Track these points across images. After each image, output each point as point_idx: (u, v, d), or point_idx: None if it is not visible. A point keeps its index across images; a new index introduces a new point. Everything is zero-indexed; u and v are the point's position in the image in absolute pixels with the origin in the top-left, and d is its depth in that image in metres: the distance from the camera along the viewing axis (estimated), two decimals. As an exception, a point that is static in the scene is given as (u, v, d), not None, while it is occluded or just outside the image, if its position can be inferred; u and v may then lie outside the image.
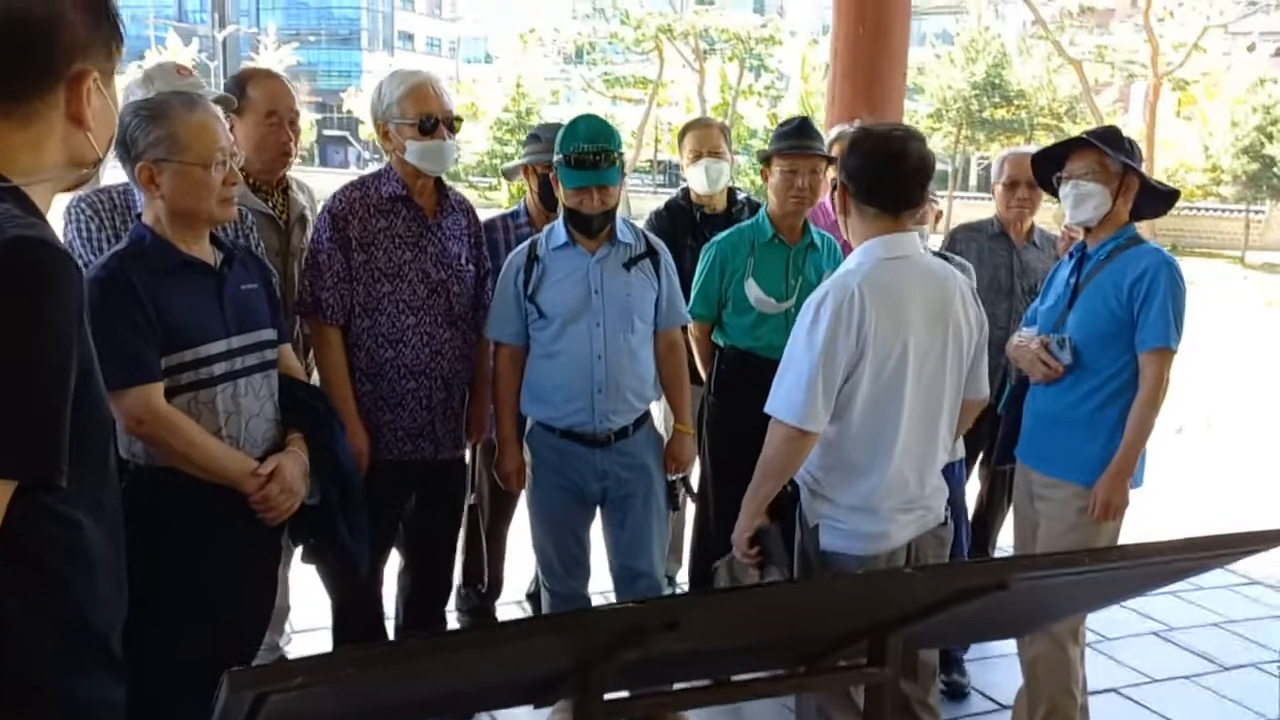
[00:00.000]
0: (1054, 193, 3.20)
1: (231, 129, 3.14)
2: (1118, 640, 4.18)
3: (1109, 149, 2.97)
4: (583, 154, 2.94)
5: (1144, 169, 3.05)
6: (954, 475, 3.58)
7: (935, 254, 3.50)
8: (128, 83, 3.11)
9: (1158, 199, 3.12)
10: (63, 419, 1.25)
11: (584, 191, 2.97)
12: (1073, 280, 3.07)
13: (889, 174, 2.48)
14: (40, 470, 1.23)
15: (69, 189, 1.53)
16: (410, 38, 71.17)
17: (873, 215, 2.51)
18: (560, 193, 3.06)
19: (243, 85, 3.17)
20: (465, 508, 3.46)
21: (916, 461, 2.54)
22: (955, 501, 3.65)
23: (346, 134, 55.38)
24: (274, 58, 47.08)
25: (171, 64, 3.10)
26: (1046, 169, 3.18)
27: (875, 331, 2.40)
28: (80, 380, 1.28)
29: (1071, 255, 3.15)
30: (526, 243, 3.16)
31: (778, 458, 2.49)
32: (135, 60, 40.86)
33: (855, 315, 2.39)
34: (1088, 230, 3.08)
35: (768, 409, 2.49)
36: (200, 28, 61.01)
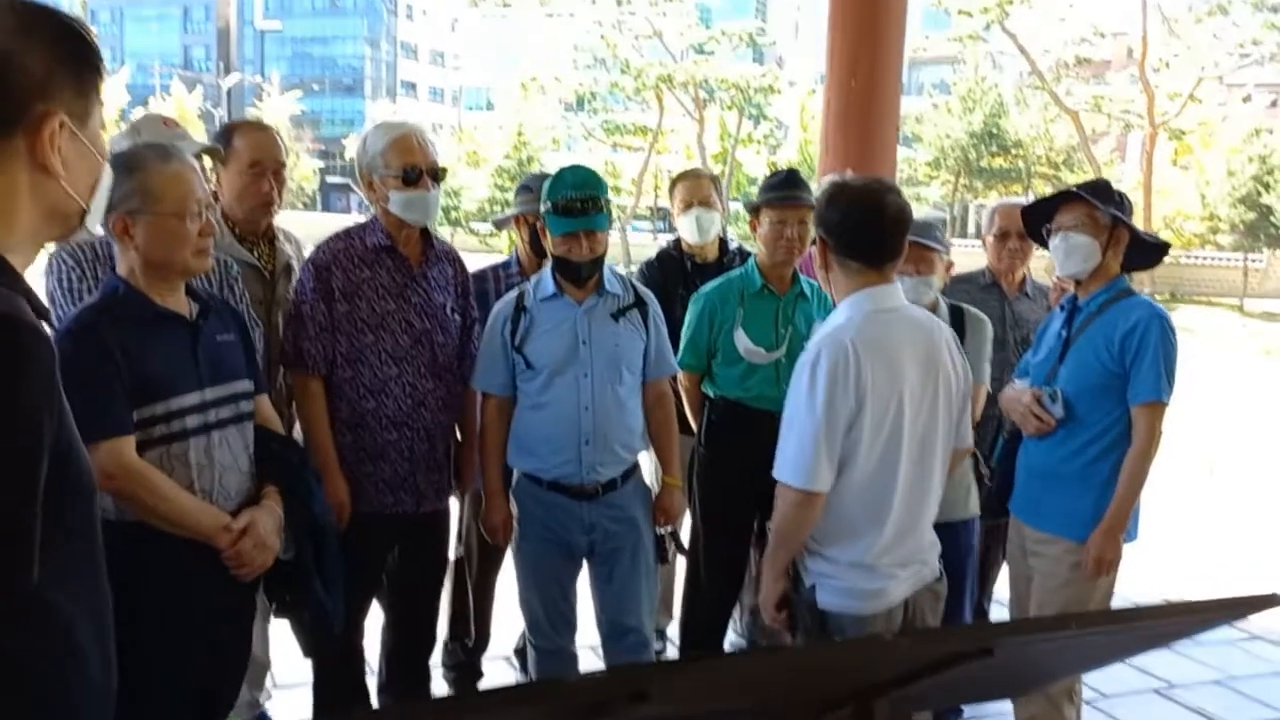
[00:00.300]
0: (1045, 245, 3.19)
1: (217, 179, 3.14)
2: (1117, 698, 4.10)
3: (1098, 202, 2.96)
4: (570, 201, 2.93)
5: (1136, 220, 3.04)
6: (968, 531, 3.54)
7: (952, 306, 3.49)
8: (114, 134, 3.11)
9: (1148, 251, 3.11)
10: (29, 512, 1.16)
11: (572, 238, 2.96)
12: (1064, 333, 3.05)
13: (870, 227, 2.46)
14: (3, 571, 1.14)
15: (58, 239, 1.44)
16: (413, 86, 72.07)
17: (856, 269, 2.48)
18: (548, 242, 3.05)
19: (229, 135, 3.18)
20: (450, 560, 3.40)
21: (913, 515, 2.50)
22: (963, 558, 3.61)
23: (349, 181, 55.82)
24: (278, 105, 47.61)
25: (158, 116, 3.11)
26: (1036, 221, 3.16)
27: (872, 386, 2.37)
28: (58, 461, 1.21)
29: (1063, 307, 3.13)
30: (513, 293, 3.14)
31: (790, 522, 2.45)
32: (140, 106, 41.36)
33: (851, 372, 2.35)
34: (1078, 282, 3.06)
35: (775, 475, 2.45)
36: (205, 75, 61.74)
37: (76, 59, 1.32)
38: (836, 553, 2.46)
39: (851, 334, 2.39)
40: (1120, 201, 3.01)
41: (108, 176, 1.42)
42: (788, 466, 2.41)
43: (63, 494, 1.22)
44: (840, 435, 2.37)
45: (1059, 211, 3.05)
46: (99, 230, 1.50)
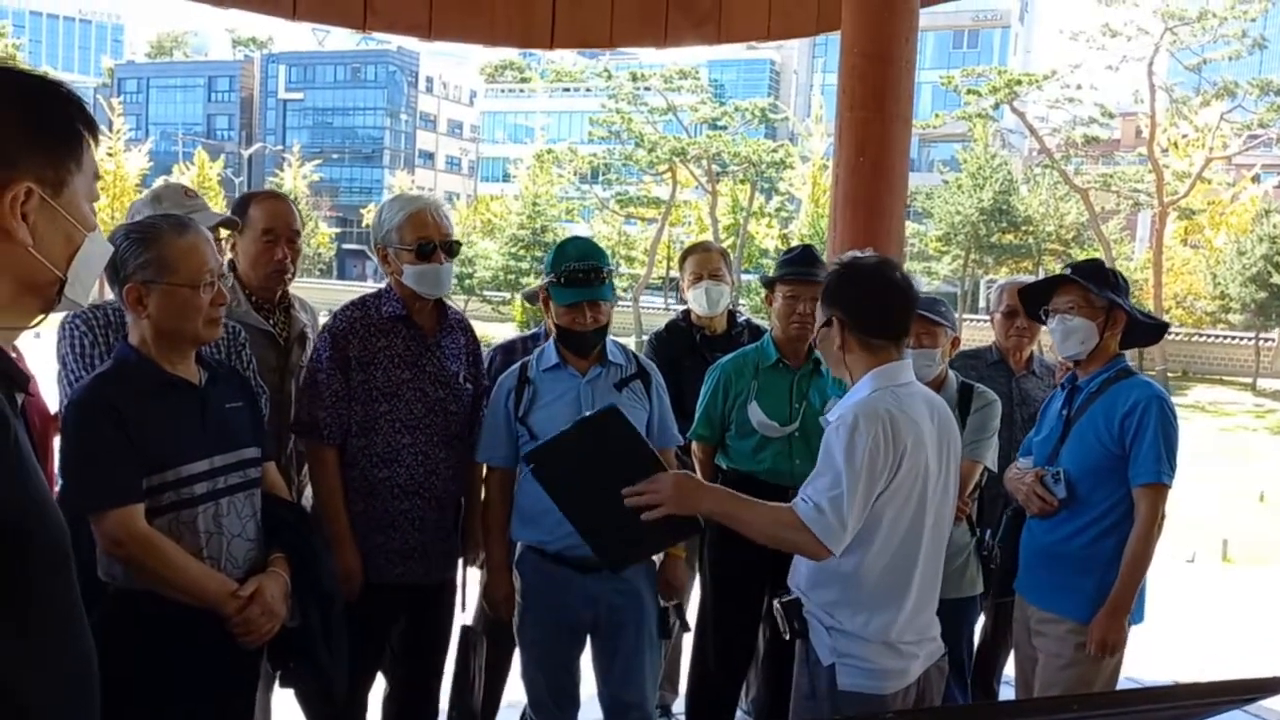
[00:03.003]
0: (1044, 324, 3.22)
1: (233, 247, 3.19)
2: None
3: (1093, 285, 2.99)
4: (573, 271, 2.97)
5: (1147, 298, 3.09)
6: (969, 609, 3.52)
7: (963, 384, 3.51)
8: (135, 202, 3.18)
9: (1148, 329, 3.13)
10: None
11: (576, 309, 3.00)
12: (1065, 412, 3.06)
13: (891, 305, 2.48)
14: None
15: (42, 312, 1.36)
16: (430, 156, 73.18)
17: (879, 346, 2.46)
18: (552, 313, 3.08)
19: (245, 205, 3.23)
20: (459, 629, 3.38)
21: (929, 590, 2.49)
22: (961, 636, 3.58)
23: (365, 248, 56.50)
24: (298, 174, 48.37)
25: (179, 185, 3.17)
26: (1035, 302, 3.19)
27: (907, 456, 2.35)
28: (14, 531, 1.15)
29: (1063, 386, 3.14)
30: (517, 365, 3.17)
31: (782, 542, 2.37)
32: (164, 174, 42.09)
33: (891, 435, 2.33)
34: (1077, 363, 3.08)
35: (792, 504, 2.35)
36: (227, 144, 62.89)
37: (49, 126, 1.28)
38: (860, 628, 2.40)
39: (885, 405, 2.37)
40: (1115, 281, 3.04)
41: (97, 246, 1.38)
42: (810, 506, 2.30)
43: (26, 564, 1.17)
44: (870, 502, 2.32)
45: (1055, 294, 3.08)
46: (85, 302, 1.44)
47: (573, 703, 3.16)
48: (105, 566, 2.24)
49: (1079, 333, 3.00)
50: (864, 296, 2.48)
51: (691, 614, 3.69)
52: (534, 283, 4.02)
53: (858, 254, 2.59)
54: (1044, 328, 3.78)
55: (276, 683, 2.74)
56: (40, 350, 2.65)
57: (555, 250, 3.07)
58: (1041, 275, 3.45)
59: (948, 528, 2.55)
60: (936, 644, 2.55)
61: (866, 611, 2.40)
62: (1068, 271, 3.10)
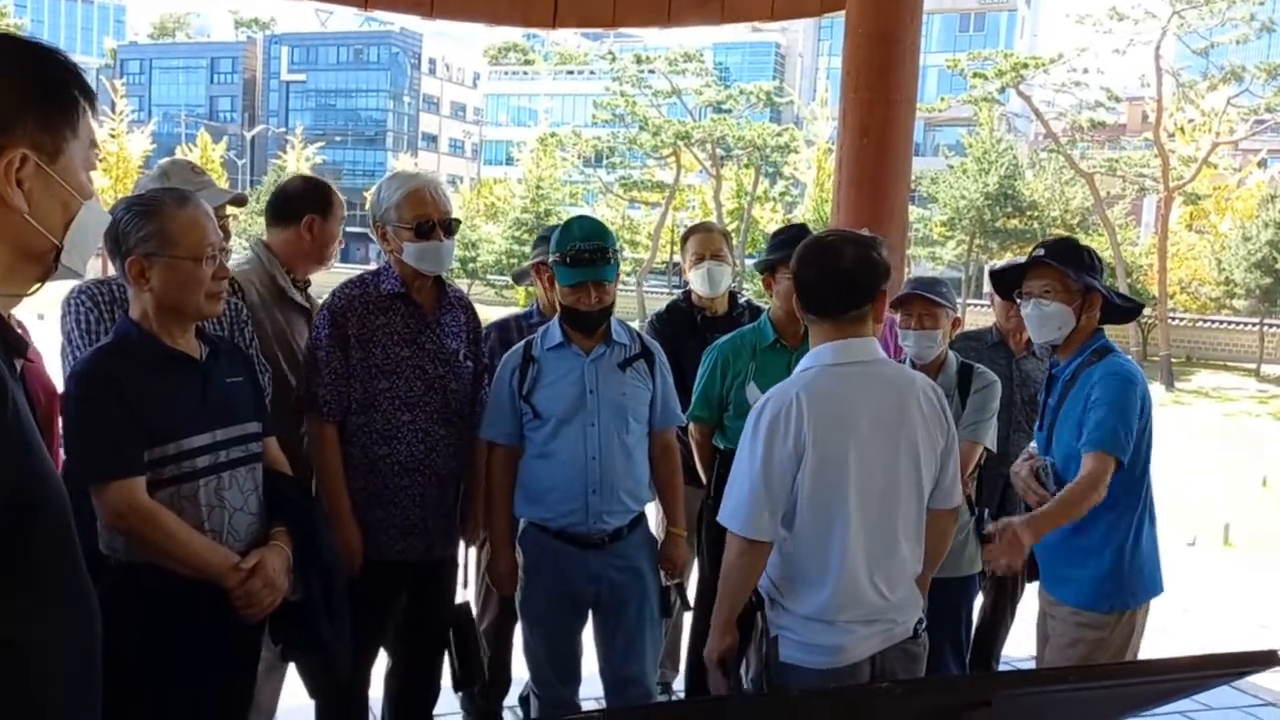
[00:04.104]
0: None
1: (310, 228, 3.26)
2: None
3: (1070, 268, 2.91)
4: (579, 251, 2.97)
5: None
6: (965, 588, 3.53)
7: (963, 364, 3.51)
8: (141, 178, 3.19)
9: (1122, 310, 3.06)
10: None
11: (581, 289, 3.00)
12: (1051, 402, 3.05)
13: (822, 280, 2.48)
14: None
15: (38, 280, 1.36)
16: (434, 139, 73.03)
17: (814, 321, 2.51)
18: (556, 293, 3.09)
19: (329, 193, 3.38)
20: (461, 606, 3.39)
21: (876, 573, 2.46)
22: (959, 615, 3.59)
23: (368, 231, 56.47)
24: (301, 156, 48.32)
25: (187, 162, 3.17)
26: (1007, 285, 3.14)
27: (813, 438, 2.38)
28: (19, 500, 1.17)
29: (1051, 375, 3.12)
30: (521, 343, 3.17)
31: (734, 569, 2.48)
32: (166, 156, 42.00)
33: (792, 422, 2.38)
34: (1055, 348, 3.04)
35: (719, 519, 2.50)
36: (230, 126, 62.78)
37: (45, 92, 1.28)
38: (794, 604, 2.47)
39: (800, 387, 2.43)
40: (1091, 261, 2.98)
41: (93, 215, 1.38)
42: (729, 512, 2.46)
43: (28, 532, 1.19)
44: (781, 485, 2.40)
45: (1029, 276, 3.00)
46: (82, 271, 1.44)
47: (574, 678, 3.18)
48: (107, 540, 2.26)
49: (1056, 318, 2.94)
50: (804, 273, 2.51)
51: (691, 595, 3.70)
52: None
53: (835, 230, 2.59)
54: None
55: (280, 657, 2.75)
56: (44, 331, 2.66)
57: (561, 230, 3.07)
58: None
59: (908, 511, 2.50)
60: (900, 626, 2.52)
61: (799, 586, 2.46)
62: (1040, 253, 3.01)
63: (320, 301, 3.35)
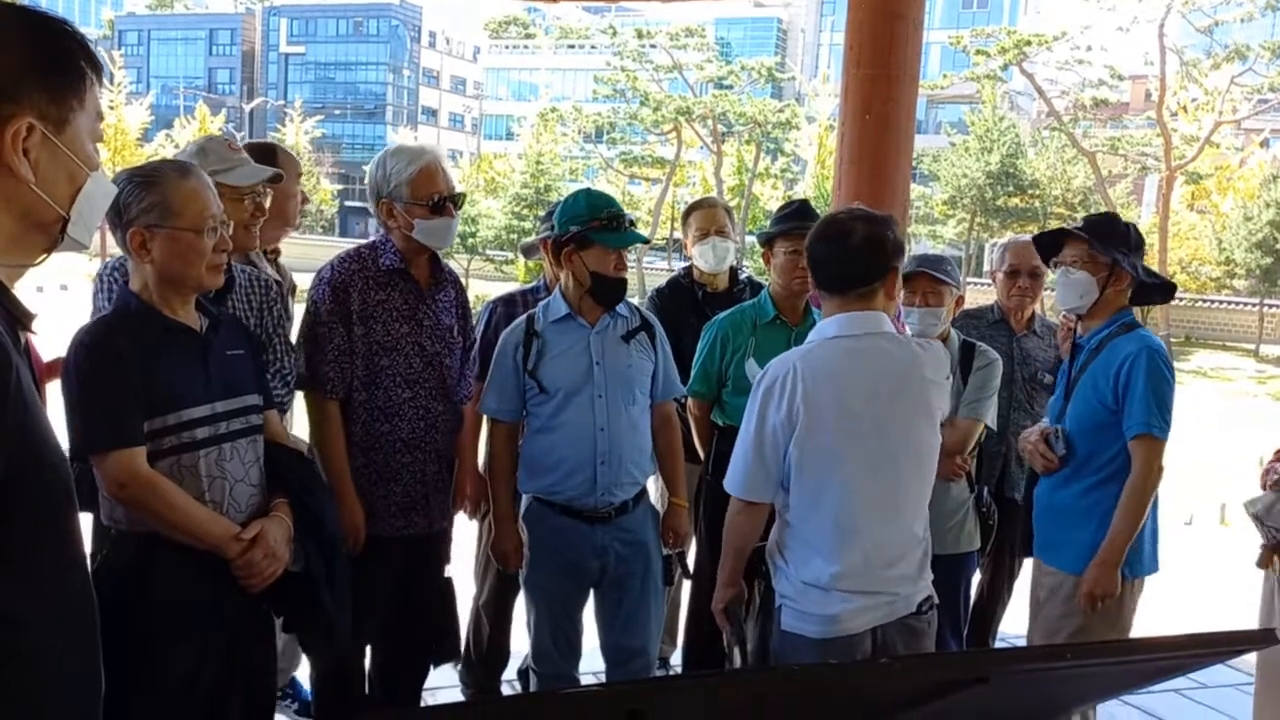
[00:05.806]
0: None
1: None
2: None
3: (1098, 242, 3.00)
4: (615, 215, 2.98)
5: (1150, 262, 3.07)
6: (963, 565, 3.55)
7: (965, 342, 3.52)
8: (178, 152, 3.14)
9: (1157, 288, 3.12)
10: None
11: (618, 254, 3.01)
12: (1070, 371, 3.07)
13: (831, 257, 2.55)
14: None
15: (45, 251, 1.37)
16: (434, 113, 72.64)
17: (826, 297, 2.59)
18: (584, 261, 2.99)
19: (275, 155, 3.24)
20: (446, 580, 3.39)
21: (877, 545, 2.49)
22: (957, 591, 3.60)
23: (368, 205, 56.27)
24: (300, 129, 48.05)
25: (224, 139, 3.08)
26: (1047, 252, 3.22)
27: (806, 406, 2.44)
28: (16, 468, 1.17)
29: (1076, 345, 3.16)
30: (522, 319, 3.16)
31: (732, 528, 2.62)
32: (164, 129, 41.70)
33: (786, 390, 2.46)
34: (1080, 317, 3.09)
35: (724, 485, 2.63)
36: (229, 99, 62.45)
37: (53, 62, 1.28)
38: (795, 571, 2.52)
39: (799, 357, 2.52)
40: (1127, 236, 3.04)
41: (100, 186, 1.39)
42: (729, 474, 2.61)
43: (27, 501, 1.19)
44: (774, 451, 2.49)
45: (1064, 245, 3.11)
46: (88, 242, 1.44)
47: (575, 653, 3.19)
48: (108, 511, 2.26)
49: (1079, 286, 3.02)
50: (815, 249, 2.59)
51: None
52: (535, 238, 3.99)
53: (850, 208, 2.65)
54: (1047, 288, 3.80)
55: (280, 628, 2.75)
56: (68, 303, 2.65)
57: (584, 199, 3.04)
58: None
59: (907, 482, 2.54)
60: (901, 600, 2.54)
61: (802, 553, 2.52)
62: (1077, 225, 3.11)
63: (287, 270, 3.34)
